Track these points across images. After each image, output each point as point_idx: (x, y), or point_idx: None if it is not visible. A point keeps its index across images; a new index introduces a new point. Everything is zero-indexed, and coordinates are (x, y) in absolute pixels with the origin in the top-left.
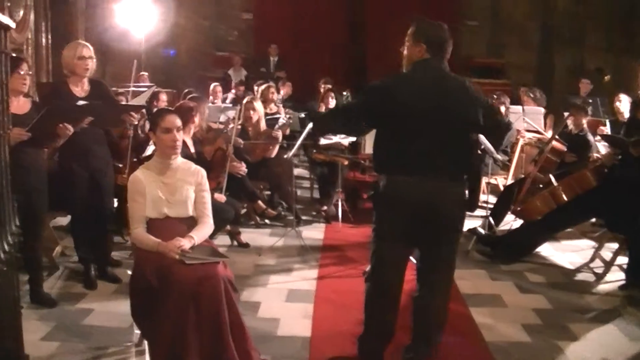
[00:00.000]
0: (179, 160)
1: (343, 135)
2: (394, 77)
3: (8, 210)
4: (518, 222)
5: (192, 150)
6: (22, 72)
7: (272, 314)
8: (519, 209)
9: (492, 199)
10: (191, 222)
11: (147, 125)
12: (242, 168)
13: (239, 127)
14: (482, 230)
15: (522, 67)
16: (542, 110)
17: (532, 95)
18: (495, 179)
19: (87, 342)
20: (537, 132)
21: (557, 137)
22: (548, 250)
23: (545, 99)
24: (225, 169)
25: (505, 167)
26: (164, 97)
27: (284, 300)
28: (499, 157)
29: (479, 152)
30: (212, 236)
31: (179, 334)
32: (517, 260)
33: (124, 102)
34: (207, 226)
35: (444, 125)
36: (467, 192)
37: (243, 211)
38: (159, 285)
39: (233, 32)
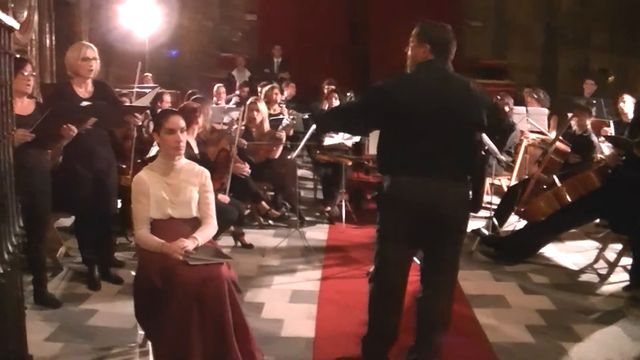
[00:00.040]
0: (182, 161)
1: (347, 137)
2: (398, 78)
3: (12, 211)
4: (522, 223)
5: (196, 151)
6: (26, 73)
7: (276, 314)
8: (522, 209)
9: (496, 200)
10: (195, 223)
11: (152, 126)
12: (246, 169)
13: (243, 128)
14: (485, 231)
15: (526, 68)
16: (546, 111)
17: (535, 96)
18: (499, 179)
19: (91, 342)
20: (541, 133)
21: (560, 138)
22: (552, 251)
23: (549, 99)
24: (229, 169)
25: (509, 168)
26: (167, 98)
27: (288, 301)
28: (503, 158)
29: (483, 153)
30: (215, 237)
31: (182, 334)
32: (520, 261)
33: (127, 103)
34: (210, 227)
35: (447, 126)
36: (470, 192)
37: (247, 212)
38: (162, 286)
39: (237, 33)
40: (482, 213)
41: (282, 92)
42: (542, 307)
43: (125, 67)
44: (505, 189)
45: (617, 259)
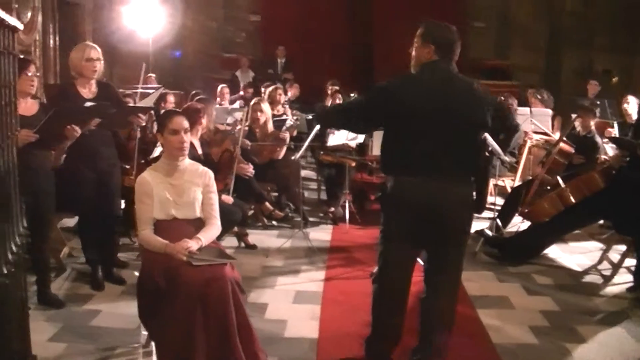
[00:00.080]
0: (186, 162)
1: (351, 137)
2: (401, 78)
3: (16, 211)
4: (525, 224)
5: (200, 151)
6: (29, 74)
7: (280, 315)
8: (526, 210)
9: (500, 201)
10: (198, 224)
11: (155, 127)
12: (250, 169)
13: (247, 128)
14: (489, 232)
15: (529, 68)
16: (550, 111)
17: (539, 97)
18: (503, 180)
19: (95, 343)
20: (545, 133)
21: (564, 138)
22: (556, 252)
23: (552, 100)
24: (232, 170)
25: (513, 169)
26: (171, 98)
27: (291, 301)
28: (507, 158)
29: (487, 154)
30: (219, 237)
31: (186, 335)
32: (524, 262)
33: (131, 104)
34: (214, 227)
35: (450, 127)
36: (474, 193)
37: (250, 213)
38: (166, 287)
39: (240, 34)
40: (486, 214)
41: (285, 93)
42: (546, 308)
43: (129, 68)
44: (509, 189)
45: (621, 260)
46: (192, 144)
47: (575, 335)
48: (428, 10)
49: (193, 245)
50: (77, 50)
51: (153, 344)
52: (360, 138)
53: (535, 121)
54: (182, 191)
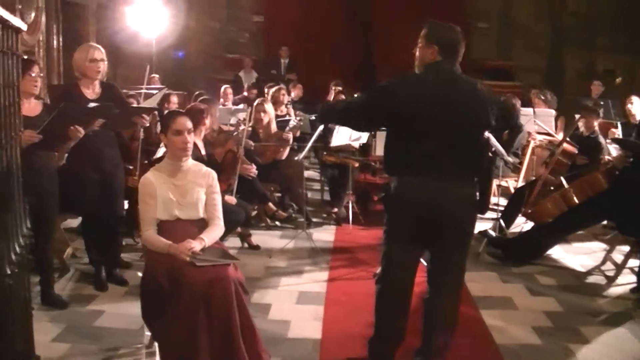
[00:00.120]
0: (189, 162)
1: (354, 138)
2: (403, 78)
3: (19, 212)
4: (529, 225)
5: (203, 152)
6: (33, 74)
7: (283, 316)
8: (529, 211)
9: (503, 202)
10: (202, 224)
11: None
12: (253, 170)
13: (250, 129)
14: (492, 233)
15: (532, 69)
16: (553, 112)
17: (543, 98)
18: (506, 181)
19: (98, 343)
20: (548, 134)
21: (568, 139)
22: (559, 252)
23: (556, 101)
24: (235, 171)
25: (516, 170)
26: (174, 99)
27: (295, 302)
28: (510, 159)
29: (490, 154)
30: (222, 238)
31: (189, 335)
32: (527, 263)
33: (135, 104)
34: (217, 228)
35: (453, 127)
36: (478, 194)
37: (253, 213)
38: (169, 287)
39: (244, 35)
40: (489, 214)
41: (289, 93)
42: (549, 309)
43: (133, 69)
44: (513, 190)
45: (625, 261)
46: (195, 145)
47: (578, 336)
48: (430, 11)
49: (196, 245)
50: (80, 50)
51: (156, 344)
52: (364, 139)
53: (539, 122)
54: (185, 192)
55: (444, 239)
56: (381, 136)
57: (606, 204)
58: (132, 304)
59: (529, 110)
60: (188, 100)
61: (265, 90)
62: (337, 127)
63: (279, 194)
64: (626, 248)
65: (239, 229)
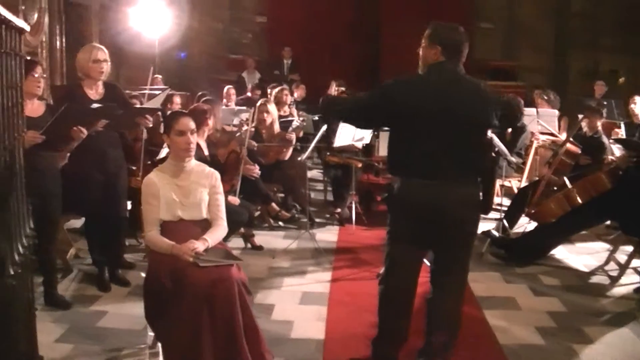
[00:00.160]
0: (192, 163)
1: (357, 138)
2: (406, 79)
3: (23, 212)
4: (532, 225)
5: (206, 152)
6: (36, 75)
7: (286, 316)
8: (533, 211)
9: (506, 202)
10: (205, 225)
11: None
12: (256, 170)
13: (253, 129)
14: (496, 233)
15: (536, 69)
16: (556, 112)
17: (546, 98)
18: (509, 181)
19: (101, 344)
20: (551, 134)
21: (571, 139)
22: (562, 252)
23: (559, 101)
24: (239, 171)
25: (520, 170)
26: (177, 99)
27: (298, 302)
28: (513, 159)
29: (493, 154)
30: (225, 239)
31: (192, 336)
32: (531, 263)
33: (138, 105)
34: (221, 229)
35: (456, 128)
36: (481, 194)
37: (257, 214)
38: (173, 288)
39: (247, 35)
40: (493, 215)
41: (292, 94)
42: (553, 309)
43: (136, 69)
44: (516, 190)
45: (628, 261)
46: (198, 145)
47: (582, 336)
48: (434, 11)
49: (199, 246)
50: (84, 51)
51: (159, 345)
52: (367, 139)
53: (542, 122)
54: (188, 192)
55: (446, 239)
56: (384, 137)
57: (609, 204)
58: (135, 305)
59: (532, 110)
60: (191, 100)
61: (268, 90)
62: (340, 127)
63: (282, 195)
64: (629, 248)
65: (242, 230)
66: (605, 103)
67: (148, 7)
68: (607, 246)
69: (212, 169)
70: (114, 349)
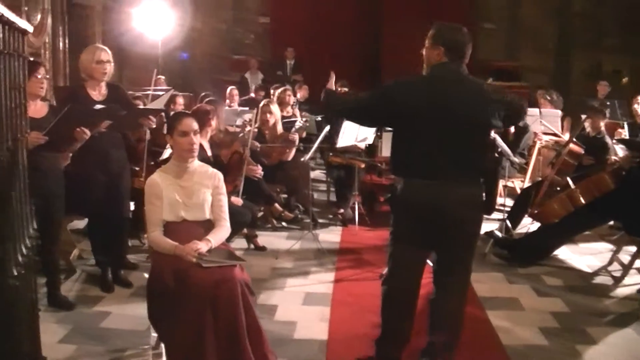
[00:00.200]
0: (196, 164)
1: (360, 139)
2: (408, 79)
3: (26, 213)
4: (535, 225)
5: (209, 153)
6: (39, 76)
7: (289, 317)
8: (536, 211)
9: (509, 202)
10: (208, 225)
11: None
12: (259, 171)
13: (256, 130)
14: (499, 233)
15: (539, 69)
16: (559, 112)
17: (549, 98)
18: (512, 181)
19: (104, 345)
20: (555, 134)
21: (574, 139)
22: (566, 253)
23: (562, 101)
24: (242, 172)
25: (522, 170)
26: (181, 100)
27: (301, 303)
28: (516, 160)
29: (496, 155)
30: (229, 239)
31: (196, 337)
32: (534, 264)
33: (141, 106)
34: (224, 229)
35: (458, 128)
36: (483, 194)
37: (260, 214)
38: (176, 288)
39: (250, 36)
40: (496, 215)
41: (294, 94)
42: (556, 310)
43: (139, 70)
44: (519, 191)
45: (632, 262)
46: (201, 146)
47: (585, 337)
48: (436, 12)
49: (202, 246)
50: (87, 52)
51: (163, 345)
52: (370, 139)
53: (545, 122)
54: (191, 193)
55: (447, 239)
56: (387, 137)
57: (613, 205)
58: (138, 305)
59: (535, 110)
60: (194, 101)
61: (271, 91)
62: (343, 128)
63: (285, 195)
64: (633, 248)
65: (245, 230)
66: (608, 103)
67: (151, 8)
68: (610, 246)
69: (215, 170)
70: (117, 349)
